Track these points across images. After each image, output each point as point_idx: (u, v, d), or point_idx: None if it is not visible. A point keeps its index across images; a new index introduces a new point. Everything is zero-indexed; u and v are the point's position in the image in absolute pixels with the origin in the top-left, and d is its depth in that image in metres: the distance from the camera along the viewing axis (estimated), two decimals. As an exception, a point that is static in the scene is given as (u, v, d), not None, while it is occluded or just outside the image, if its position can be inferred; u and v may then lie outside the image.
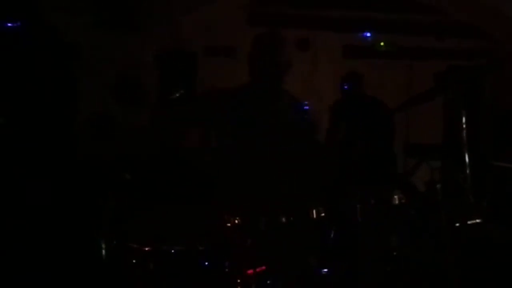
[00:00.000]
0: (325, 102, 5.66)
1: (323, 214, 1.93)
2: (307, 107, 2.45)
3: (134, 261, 2.00)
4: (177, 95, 4.87)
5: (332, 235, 1.94)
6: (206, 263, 1.92)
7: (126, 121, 4.72)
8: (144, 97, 4.89)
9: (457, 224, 2.21)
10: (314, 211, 1.92)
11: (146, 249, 2.00)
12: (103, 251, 2.04)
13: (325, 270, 1.91)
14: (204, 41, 5.05)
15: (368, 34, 5.51)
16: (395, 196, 2.08)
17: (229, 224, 1.81)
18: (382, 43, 5.43)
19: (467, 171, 2.39)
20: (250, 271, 1.83)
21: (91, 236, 2.09)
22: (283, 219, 1.90)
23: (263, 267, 1.85)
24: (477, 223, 2.25)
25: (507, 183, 3.02)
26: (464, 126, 2.45)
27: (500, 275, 2.34)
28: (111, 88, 4.77)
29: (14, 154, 3.00)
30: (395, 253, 2.04)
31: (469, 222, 2.25)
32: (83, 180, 2.90)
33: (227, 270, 1.88)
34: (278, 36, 2.52)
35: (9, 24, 3.54)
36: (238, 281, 1.86)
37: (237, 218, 1.83)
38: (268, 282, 1.85)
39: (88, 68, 4.56)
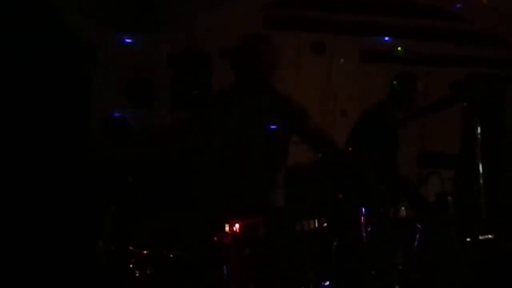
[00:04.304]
0: (340, 106, 5.58)
1: (325, 225, 1.87)
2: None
3: (132, 264, 1.97)
4: (192, 95, 4.86)
5: (334, 247, 1.87)
6: (204, 269, 1.88)
7: (139, 123, 4.70)
8: (158, 99, 4.88)
9: (468, 240, 2.12)
10: (316, 222, 1.86)
11: (145, 252, 1.97)
12: (102, 254, 2.02)
13: (327, 283, 1.84)
14: (218, 42, 5.02)
15: (386, 39, 5.42)
16: (402, 208, 2.00)
17: (227, 232, 1.76)
18: (399, 49, 5.33)
19: (480, 183, 2.30)
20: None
21: (91, 239, 2.07)
22: (283, 230, 1.84)
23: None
24: (489, 239, 2.16)
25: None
26: (479, 136, 2.36)
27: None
28: (125, 90, 4.77)
29: (19, 154, 3.00)
30: (400, 268, 1.96)
31: (480, 238, 2.16)
32: (85, 182, 2.88)
33: (225, 277, 1.84)
34: (269, 38, 2.48)
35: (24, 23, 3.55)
36: (236, 289, 1.81)
37: (234, 227, 1.78)
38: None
39: (102, 69, 4.56)
